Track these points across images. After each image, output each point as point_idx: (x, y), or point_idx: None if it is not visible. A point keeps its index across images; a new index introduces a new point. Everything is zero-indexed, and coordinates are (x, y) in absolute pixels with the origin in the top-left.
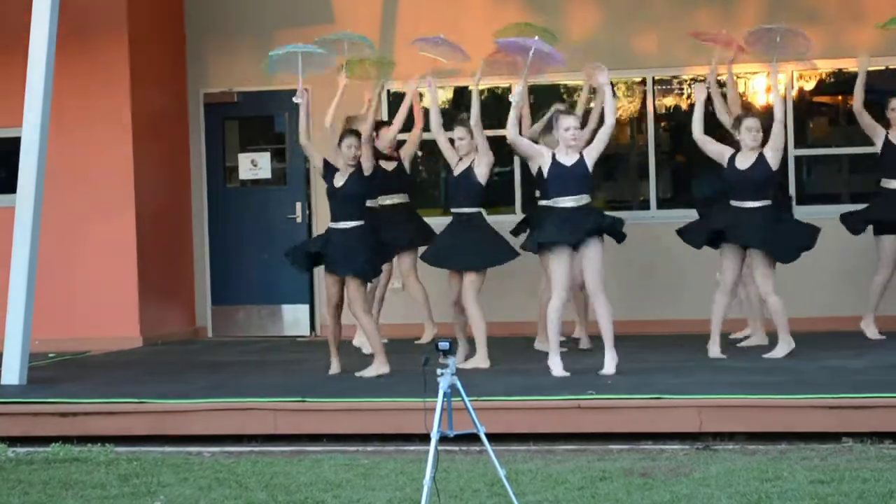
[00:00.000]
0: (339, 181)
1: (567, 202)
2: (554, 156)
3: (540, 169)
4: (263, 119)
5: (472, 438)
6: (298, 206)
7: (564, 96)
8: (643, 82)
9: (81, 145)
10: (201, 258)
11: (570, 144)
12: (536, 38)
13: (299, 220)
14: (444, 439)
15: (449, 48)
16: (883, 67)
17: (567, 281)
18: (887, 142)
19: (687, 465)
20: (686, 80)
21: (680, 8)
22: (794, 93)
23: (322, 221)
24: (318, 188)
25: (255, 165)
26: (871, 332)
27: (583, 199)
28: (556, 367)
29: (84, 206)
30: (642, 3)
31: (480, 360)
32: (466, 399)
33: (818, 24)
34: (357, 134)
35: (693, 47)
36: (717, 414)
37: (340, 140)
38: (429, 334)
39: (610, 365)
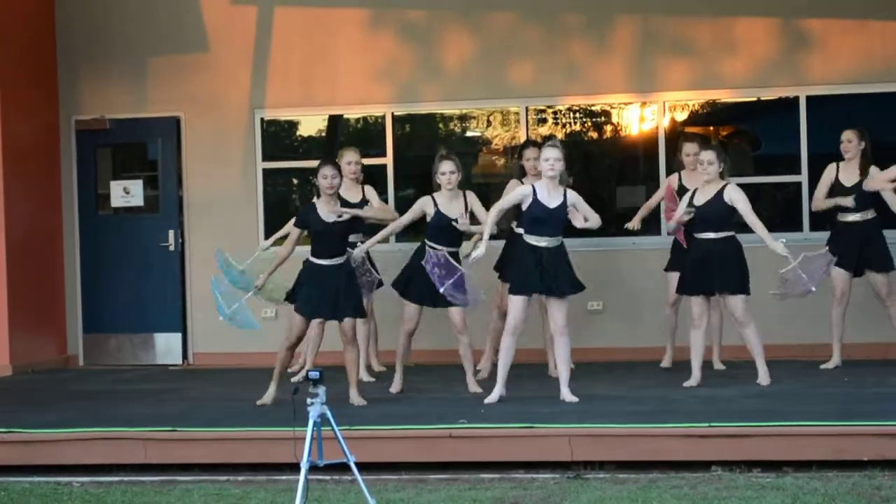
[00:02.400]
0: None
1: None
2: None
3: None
4: (136, 146)
5: (345, 468)
6: (171, 233)
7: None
8: (518, 112)
9: None
10: (73, 286)
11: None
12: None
13: (172, 247)
14: (314, 469)
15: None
16: (755, 98)
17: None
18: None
19: (558, 493)
20: (561, 110)
21: (554, 37)
22: (666, 123)
23: (196, 249)
24: (192, 216)
25: (127, 193)
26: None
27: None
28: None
29: None
30: (517, 32)
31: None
32: (336, 428)
33: (691, 54)
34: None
35: (567, 77)
36: (588, 443)
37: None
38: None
39: (567, 395)
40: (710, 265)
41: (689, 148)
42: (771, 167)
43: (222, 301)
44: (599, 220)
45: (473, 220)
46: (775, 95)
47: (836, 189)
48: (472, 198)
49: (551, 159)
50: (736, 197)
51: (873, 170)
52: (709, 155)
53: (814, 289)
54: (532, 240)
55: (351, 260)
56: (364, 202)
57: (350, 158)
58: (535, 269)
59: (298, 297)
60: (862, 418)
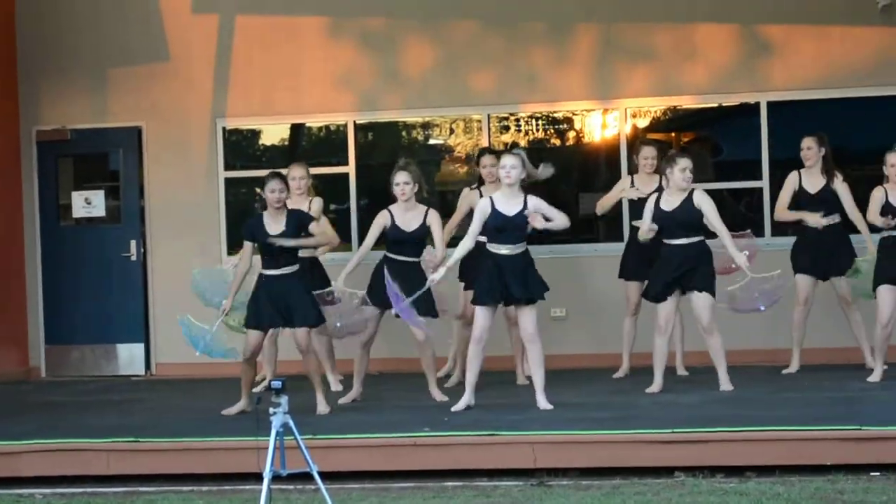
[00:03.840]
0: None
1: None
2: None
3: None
4: (97, 157)
5: (308, 477)
6: (133, 243)
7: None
8: (480, 120)
9: None
10: (34, 297)
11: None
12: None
13: (134, 258)
14: (278, 478)
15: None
16: (716, 105)
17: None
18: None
19: (522, 501)
20: (523, 117)
21: (515, 45)
22: (628, 130)
23: (158, 259)
24: (154, 226)
25: (88, 203)
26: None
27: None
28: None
29: None
30: (478, 40)
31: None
32: (299, 437)
33: (652, 61)
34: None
35: (529, 85)
36: (551, 450)
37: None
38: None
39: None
40: (681, 271)
41: (646, 152)
42: (732, 173)
43: (195, 335)
44: (566, 219)
45: (428, 235)
46: (736, 101)
47: (802, 197)
48: (433, 217)
49: (507, 166)
50: (704, 202)
51: (839, 184)
52: (689, 162)
53: (762, 308)
54: (493, 248)
55: (335, 298)
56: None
57: (295, 174)
58: (498, 277)
59: (248, 313)
60: (824, 423)
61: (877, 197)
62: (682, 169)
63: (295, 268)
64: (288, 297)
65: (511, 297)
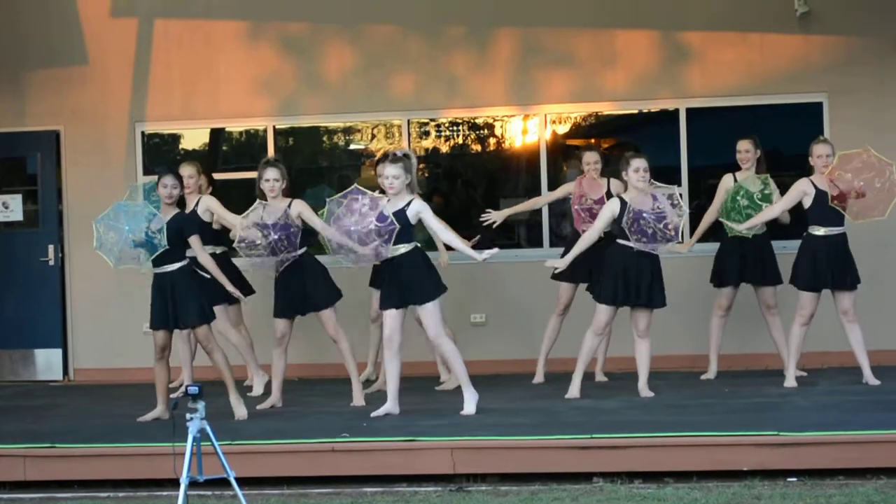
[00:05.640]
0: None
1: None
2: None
3: None
4: (14, 161)
5: (227, 483)
6: (51, 248)
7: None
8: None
9: None
10: None
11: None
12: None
13: (52, 262)
14: (196, 484)
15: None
16: (636, 111)
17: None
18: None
19: None
20: (444, 123)
21: (436, 50)
22: (548, 136)
23: (76, 264)
24: (72, 230)
25: (6, 208)
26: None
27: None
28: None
29: None
30: (398, 45)
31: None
32: (216, 443)
33: (572, 67)
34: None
35: (449, 90)
36: (470, 455)
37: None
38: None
39: (470, 404)
40: (628, 275)
41: (588, 157)
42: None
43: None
44: (451, 236)
45: (306, 226)
46: (656, 108)
47: None
48: (297, 206)
49: (390, 177)
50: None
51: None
52: (643, 162)
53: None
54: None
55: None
56: (193, 213)
57: (184, 173)
58: (393, 280)
59: (151, 312)
60: (741, 428)
61: (800, 189)
62: (635, 169)
63: (177, 265)
64: (171, 296)
65: (403, 300)
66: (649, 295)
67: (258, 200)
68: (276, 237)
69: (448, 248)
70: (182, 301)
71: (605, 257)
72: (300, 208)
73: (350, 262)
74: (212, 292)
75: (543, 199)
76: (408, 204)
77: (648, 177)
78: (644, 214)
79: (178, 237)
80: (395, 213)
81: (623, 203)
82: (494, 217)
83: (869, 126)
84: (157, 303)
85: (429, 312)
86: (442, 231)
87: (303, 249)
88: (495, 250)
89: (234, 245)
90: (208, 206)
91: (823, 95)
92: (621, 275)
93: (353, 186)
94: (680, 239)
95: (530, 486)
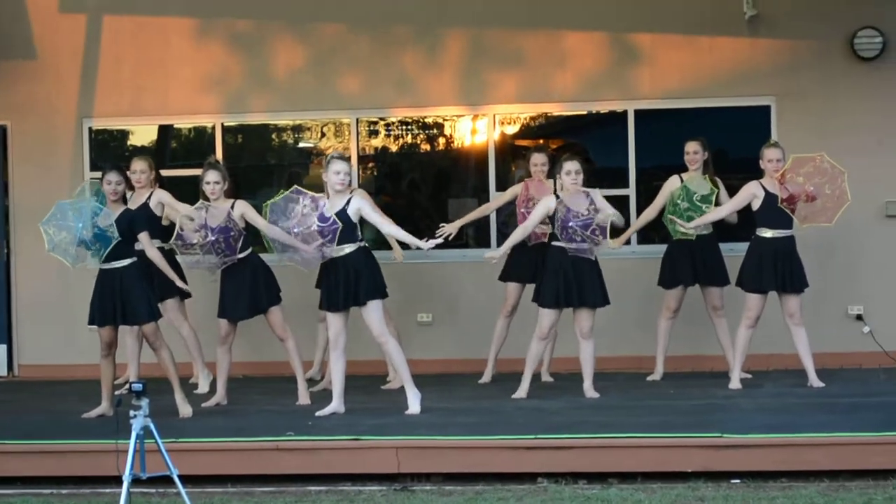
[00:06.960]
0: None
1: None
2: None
3: None
4: None
5: (170, 480)
6: None
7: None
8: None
9: None
10: None
11: (336, 189)
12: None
13: None
14: (139, 481)
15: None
16: (585, 112)
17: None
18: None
19: None
20: (392, 122)
21: (385, 49)
22: (496, 136)
23: (22, 259)
24: (18, 225)
25: None
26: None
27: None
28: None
29: None
30: (347, 43)
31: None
32: (160, 441)
33: (521, 67)
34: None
35: (398, 89)
36: (415, 455)
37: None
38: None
39: (414, 404)
40: (568, 277)
41: (536, 158)
42: (599, 180)
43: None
44: (393, 228)
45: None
46: (605, 109)
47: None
48: (243, 206)
49: (342, 173)
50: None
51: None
52: (575, 165)
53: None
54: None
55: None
56: (145, 207)
57: (136, 168)
58: (337, 281)
59: (91, 310)
60: (686, 430)
61: (750, 192)
62: (567, 172)
63: (125, 263)
64: (116, 292)
65: (348, 301)
66: (590, 295)
67: (201, 200)
68: (213, 239)
69: (402, 245)
70: (131, 298)
71: (545, 260)
72: (243, 209)
73: (297, 263)
74: (164, 286)
75: (493, 205)
76: (348, 202)
77: (581, 179)
78: (570, 223)
79: (127, 233)
80: (337, 213)
81: (559, 202)
82: (449, 230)
83: (815, 129)
84: (104, 299)
85: (371, 311)
86: (383, 224)
87: (248, 251)
88: (440, 239)
89: (171, 242)
90: (161, 199)
91: (771, 99)
92: (561, 276)
93: (293, 188)
94: (608, 236)
95: (475, 485)
